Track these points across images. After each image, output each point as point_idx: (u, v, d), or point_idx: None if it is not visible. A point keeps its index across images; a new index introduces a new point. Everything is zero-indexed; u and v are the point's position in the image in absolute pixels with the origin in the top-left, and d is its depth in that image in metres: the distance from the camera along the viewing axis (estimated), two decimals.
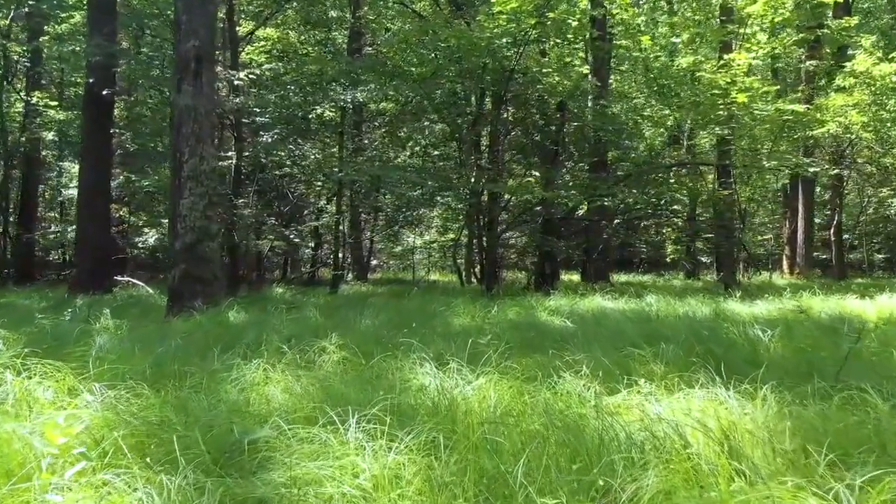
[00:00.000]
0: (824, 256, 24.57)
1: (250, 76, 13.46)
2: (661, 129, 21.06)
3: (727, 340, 5.96)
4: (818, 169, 13.15)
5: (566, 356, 5.00)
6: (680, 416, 3.14)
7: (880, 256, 27.51)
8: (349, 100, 14.39)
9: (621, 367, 4.42)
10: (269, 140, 13.63)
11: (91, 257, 13.47)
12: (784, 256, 23.20)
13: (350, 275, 21.02)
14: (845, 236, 23.88)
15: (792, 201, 23.11)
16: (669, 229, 25.77)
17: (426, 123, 18.03)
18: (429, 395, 3.61)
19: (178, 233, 7.88)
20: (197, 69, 7.99)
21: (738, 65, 10.92)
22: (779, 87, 13.01)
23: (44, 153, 22.56)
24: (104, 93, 13.15)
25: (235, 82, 13.31)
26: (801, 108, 11.16)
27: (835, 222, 21.20)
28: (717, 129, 11.45)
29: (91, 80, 13.49)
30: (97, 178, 13.69)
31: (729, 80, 11.13)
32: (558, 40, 13.54)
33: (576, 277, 21.69)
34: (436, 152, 18.90)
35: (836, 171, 15.04)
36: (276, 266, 22.13)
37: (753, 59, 10.83)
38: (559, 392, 3.85)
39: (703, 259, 27.12)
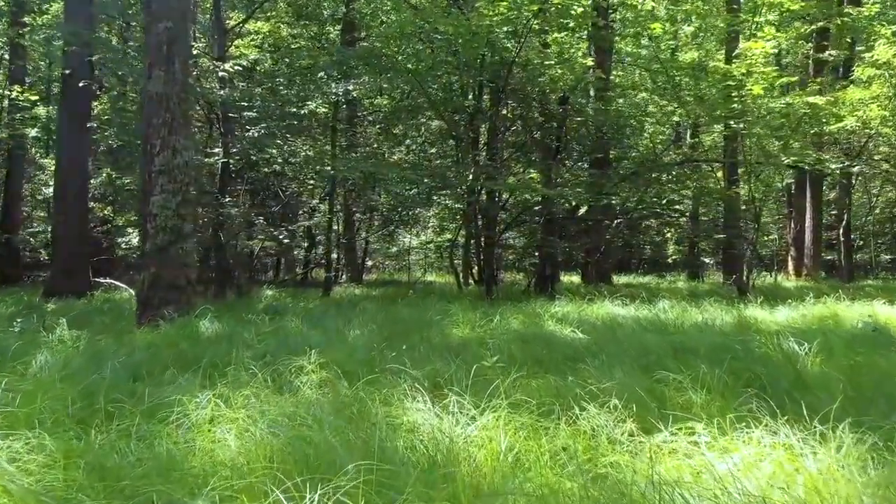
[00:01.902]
0: (829, 257, 23.91)
1: (236, 66, 12.70)
2: (666, 126, 20.41)
3: (763, 356, 5.25)
4: (840, 166, 12.48)
5: (584, 378, 4.28)
6: (750, 471, 2.42)
7: (887, 257, 26.88)
8: (340, 93, 13.65)
9: (653, 394, 3.71)
10: (256, 135, 12.87)
11: (67, 258, 12.71)
12: (789, 257, 22.53)
13: (344, 276, 20.31)
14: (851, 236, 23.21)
15: (798, 200, 22.45)
16: (671, 230, 25.13)
17: (422, 120, 17.32)
18: (422, 439, 2.89)
19: (149, 233, 7.15)
20: (169, 54, 7.25)
21: (754, 54, 10.22)
22: (797, 78, 12.34)
23: (32, 150, 21.80)
24: (81, 84, 12.40)
25: (220, 73, 12.55)
26: (821, 100, 10.48)
27: (844, 222, 20.52)
28: (732, 122, 10.74)
29: (68, 71, 12.74)
30: (74, 174, 12.93)
31: (745, 71, 10.43)
32: (560, 30, 12.82)
33: (576, 279, 21.01)
34: (433, 150, 18.20)
35: (857, 168, 14.35)
36: (270, 267, 21.39)
37: (771, 48, 10.12)
38: (583, 431, 3.14)
39: (706, 260, 26.52)
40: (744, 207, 13.93)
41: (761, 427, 2.99)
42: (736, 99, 10.95)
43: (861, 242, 26.37)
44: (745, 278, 11.55)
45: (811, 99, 10.55)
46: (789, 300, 10.21)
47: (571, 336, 6.29)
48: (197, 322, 6.26)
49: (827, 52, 13.86)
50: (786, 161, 10.90)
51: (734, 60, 10.80)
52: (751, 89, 10.64)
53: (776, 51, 11.20)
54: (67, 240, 12.71)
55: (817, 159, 10.99)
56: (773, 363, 5.03)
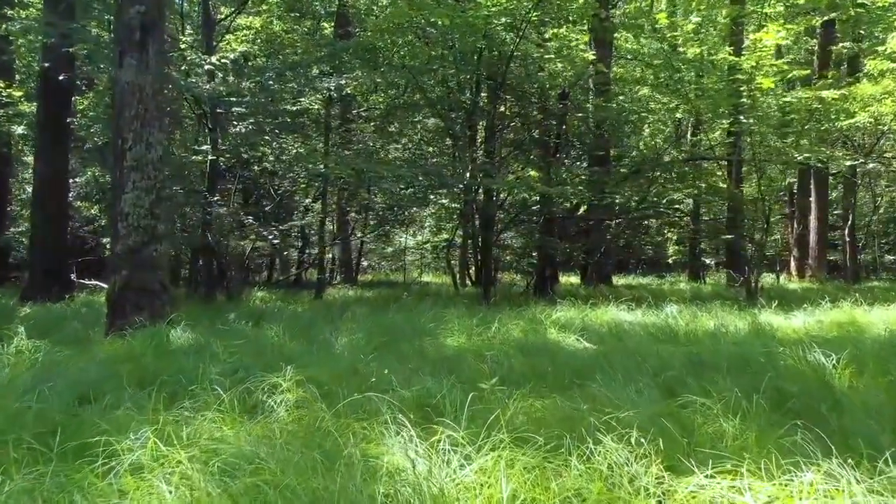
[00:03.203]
0: (831, 258, 23.43)
1: (223, 60, 12.16)
2: (668, 123, 19.93)
3: (789, 371, 4.75)
4: (855, 162, 12.00)
5: (596, 399, 3.78)
6: None
7: (891, 258, 26.43)
8: (333, 87, 13.13)
9: (678, 421, 3.20)
10: (243, 130, 12.33)
11: (46, 259, 12.17)
12: (791, 258, 22.04)
13: (338, 277, 19.79)
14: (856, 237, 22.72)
15: (801, 199, 21.99)
16: (672, 229, 24.65)
17: (419, 118, 16.82)
18: (407, 485, 2.38)
19: (120, 234, 6.63)
20: (142, 39, 6.73)
21: (765, 46, 9.73)
22: (809, 70, 11.86)
23: (19, 147, 21.17)
24: (60, 78, 11.86)
25: (206, 66, 12.02)
26: (834, 94, 10.00)
27: (849, 222, 20.04)
28: (742, 118, 10.25)
29: (46, 65, 12.19)
30: (53, 172, 12.39)
31: (754, 64, 9.94)
32: (560, 21, 12.33)
33: (574, 279, 20.51)
34: (430, 149, 17.70)
35: (871, 166, 13.88)
36: (265, 267, 20.86)
37: (782, 39, 9.63)
38: (599, 470, 2.64)
39: (706, 261, 26.02)
40: (747, 207, 13.48)
41: (814, 469, 2.49)
42: (745, 93, 10.45)
43: (863, 243, 25.91)
44: (753, 281, 11.06)
45: (824, 93, 10.05)
46: (803, 304, 9.72)
47: (576, 346, 5.79)
48: (169, 331, 5.73)
49: (840, 45, 13.36)
50: (798, 158, 10.41)
51: (743, 53, 10.31)
52: (760, 83, 10.15)
53: (787, 41, 10.69)
54: (46, 241, 12.16)
55: (831, 156, 10.52)
56: (802, 379, 4.53)
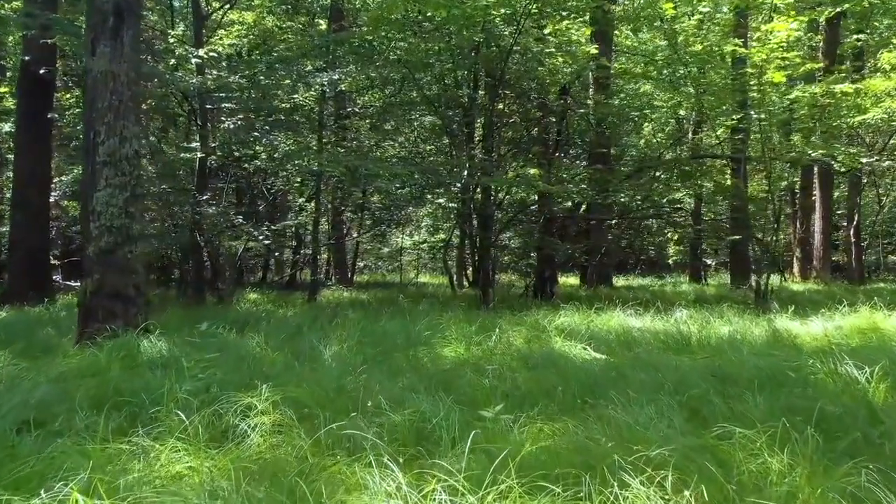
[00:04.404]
0: (835, 258, 22.99)
1: (210, 53, 11.67)
2: (671, 120, 19.49)
3: (822, 386, 4.30)
4: (871, 160, 11.56)
5: (613, 422, 3.32)
6: None
7: (894, 258, 26.02)
8: (325, 82, 12.66)
9: (714, 457, 2.74)
10: (232, 126, 11.84)
11: (25, 261, 11.67)
12: (794, 259, 21.61)
13: (333, 278, 19.32)
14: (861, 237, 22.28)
15: (803, 199, 21.57)
16: (673, 229, 24.19)
17: (415, 116, 16.36)
18: None
19: (92, 235, 6.15)
20: (116, 25, 6.25)
21: (777, 37, 9.28)
22: (822, 64, 11.41)
23: (8, 146, 20.65)
24: (41, 72, 11.37)
25: (193, 60, 11.53)
26: (850, 88, 9.56)
27: (854, 222, 19.61)
28: (752, 113, 9.80)
29: (26, 58, 11.70)
30: (32, 170, 11.88)
31: (765, 56, 9.49)
32: (561, 12, 11.87)
33: (574, 281, 20.05)
34: (428, 147, 17.25)
35: (887, 164, 13.43)
36: (260, 268, 20.37)
37: (795, 29, 9.18)
38: None
39: (707, 261, 25.57)
40: (751, 207, 13.03)
41: None
42: (755, 87, 10.00)
43: (867, 243, 25.49)
44: (763, 283, 10.61)
45: (838, 87, 9.60)
46: (815, 308, 9.28)
47: (585, 357, 5.33)
48: (140, 340, 5.26)
49: (854, 38, 12.91)
50: (814, 154, 9.95)
51: (752, 44, 9.87)
52: (771, 77, 9.70)
53: (799, 32, 10.23)
54: (25, 242, 11.66)
55: (846, 153, 10.07)
56: (837, 397, 4.08)
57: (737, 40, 10.84)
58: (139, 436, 3.15)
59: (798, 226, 21.77)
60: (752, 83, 10.12)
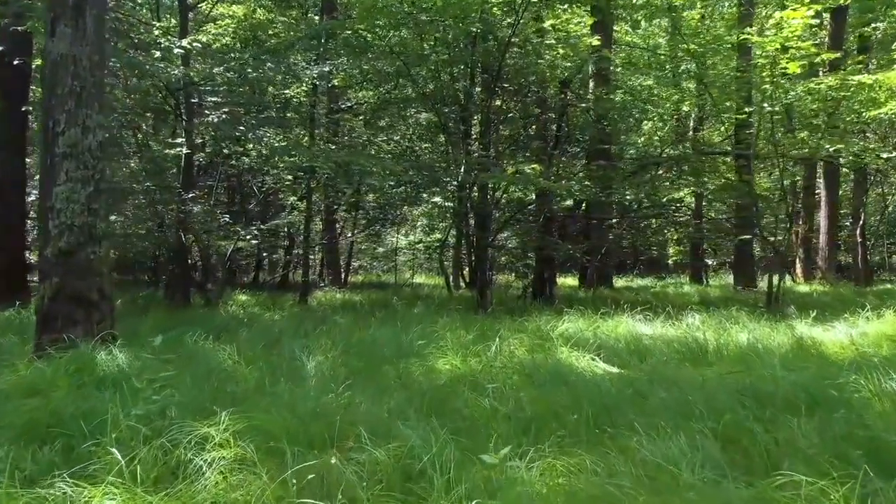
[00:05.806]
0: (839, 259, 22.49)
1: (195, 44, 11.09)
2: (670, 119, 18.96)
3: (869, 407, 3.76)
4: (891, 156, 11.05)
5: (638, 458, 2.78)
6: None
7: None
8: (316, 75, 12.11)
9: None
10: (215, 119, 11.25)
11: (1, 262, 11.07)
12: (797, 259, 21.09)
13: (326, 279, 18.76)
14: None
15: (807, 199, 21.08)
16: (674, 229, 23.65)
17: (410, 112, 15.82)
18: None
19: (51, 234, 5.59)
20: (79, 4, 5.70)
21: (793, 25, 8.76)
22: (838, 54, 10.89)
23: None
24: (16, 62, 10.78)
25: (176, 50, 10.95)
26: (869, 79, 9.04)
27: (860, 222, 19.10)
28: (765, 105, 9.27)
29: (1, 48, 11.09)
30: (7, 167, 11.28)
31: (779, 46, 8.96)
32: (561, 4, 11.35)
33: (572, 282, 19.51)
34: (424, 144, 16.71)
35: None
36: (253, 268, 19.79)
37: (812, 16, 8.65)
38: None
39: (708, 261, 25.06)
40: (763, 205, 12.55)
41: None
42: (767, 78, 9.48)
43: (872, 242, 24.99)
44: (775, 285, 10.11)
45: (857, 78, 9.07)
46: (829, 311, 8.76)
47: (595, 371, 4.78)
48: (97, 353, 4.69)
49: (869, 27, 12.41)
50: (831, 149, 9.44)
51: (766, 33, 9.33)
52: (785, 67, 9.17)
53: (816, 20, 9.70)
54: (1, 242, 11.07)
55: (865, 148, 9.54)
56: (890, 421, 3.54)
57: (749, 29, 10.31)
58: (66, 478, 2.59)
59: (802, 224, 21.27)
60: (764, 74, 9.59)
